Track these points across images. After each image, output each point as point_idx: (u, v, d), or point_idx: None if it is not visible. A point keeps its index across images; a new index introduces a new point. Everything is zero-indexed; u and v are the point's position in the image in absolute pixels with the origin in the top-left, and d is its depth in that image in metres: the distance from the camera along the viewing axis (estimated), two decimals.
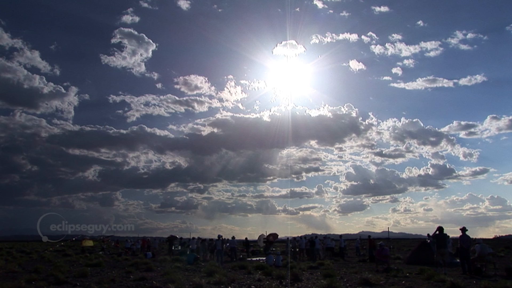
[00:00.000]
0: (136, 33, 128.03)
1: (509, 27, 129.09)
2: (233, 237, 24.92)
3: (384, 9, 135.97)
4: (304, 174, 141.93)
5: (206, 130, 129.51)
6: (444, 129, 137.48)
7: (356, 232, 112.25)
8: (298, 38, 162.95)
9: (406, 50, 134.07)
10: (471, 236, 14.64)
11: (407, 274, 13.38)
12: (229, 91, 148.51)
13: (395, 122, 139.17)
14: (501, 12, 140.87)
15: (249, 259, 23.59)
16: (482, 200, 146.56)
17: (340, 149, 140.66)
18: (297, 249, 25.90)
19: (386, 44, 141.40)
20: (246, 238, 31.40)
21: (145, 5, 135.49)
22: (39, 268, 15.15)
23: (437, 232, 14.10)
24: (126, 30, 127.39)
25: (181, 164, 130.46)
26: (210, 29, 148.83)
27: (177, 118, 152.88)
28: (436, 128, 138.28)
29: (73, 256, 25.36)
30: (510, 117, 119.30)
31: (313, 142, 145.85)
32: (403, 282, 11.58)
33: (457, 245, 14.49)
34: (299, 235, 31.65)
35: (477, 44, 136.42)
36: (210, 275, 12.86)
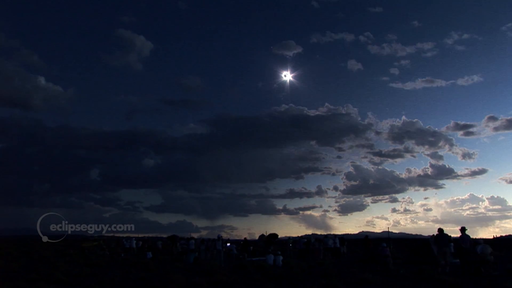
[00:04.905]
0: (135, 33, 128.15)
1: (505, 27, 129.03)
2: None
3: (379, 9, 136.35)
4: (303, 174, 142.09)
5: (205, 130, 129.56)
6: (442, 129, 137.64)
7: (356, 232, 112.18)
8: (296, 38, 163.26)
9: (402, 51, 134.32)
10: (471, 236, 14.68)
11: (407, 274, 13.39)
12: (228, 91, 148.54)
13: (394, 122, 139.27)
14: (496, 13, 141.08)
15: (249, 259, 23.59)
16: (482, 200, 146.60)
17: (340, 149, 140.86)
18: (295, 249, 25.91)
19: (383, 44, 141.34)
20: (245, 238, 31.39)
21: (144, 5, 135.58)
22: (39, 268, 15.14)
23: (437, 233, 14.20)
24: (125, 30, 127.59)
25: (181, 164, 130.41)
26: (208, 29, 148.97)
27: (176, 117, 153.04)
28: (436, 128, 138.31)
29: (73, 256, 25.36)
30: (508, 117, 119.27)
31: (312, 142, 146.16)
32: (403, 282, 11.59)
33: (457, 245, 14.52)
34: (299, 235, 31.68)
35: (472, 44, 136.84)
36: (210, 275, 12.86)
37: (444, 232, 14.52)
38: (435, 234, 14.46)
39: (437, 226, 14.67)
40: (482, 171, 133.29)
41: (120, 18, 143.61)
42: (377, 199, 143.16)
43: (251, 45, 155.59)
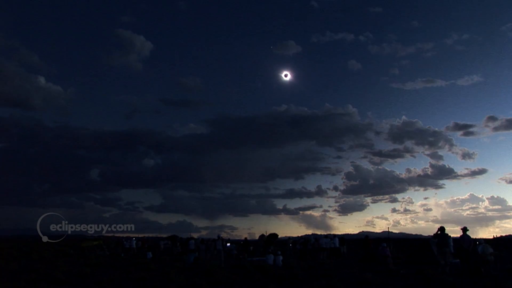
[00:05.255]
0: (134, 33, 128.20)
1: (505, 27, 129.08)
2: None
3: (378, 9, 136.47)
4: (303, 173, 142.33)
5: (205, 130, 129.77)
6: (442, 129, 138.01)
7: (356, 232, 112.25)
8: (296, 38, 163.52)
9: (402, 51, 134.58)
10: (471, 236, 14.68)
11: (407, 274, 13.39)
12: (228, 91, 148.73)
13: (394, 122, 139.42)
14: (496, 13, 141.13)
15: (249, 259, 23.60)
16: (482, 200, 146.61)
17: (340, 149, 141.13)
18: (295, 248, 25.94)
19: (383, 44, 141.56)
20: (245, 238, 31.40)
21: (144, 5, 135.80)
22: (39, 268, 15.14)
23: (439, 232, 14.14)
24: (125, 30, 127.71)
25: (181, 164, 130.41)
26: (208, 29, 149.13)
27: (176, 117, 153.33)
28: (436, 128, 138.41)
29: (73, 256, 25.35)
30: (507, 117, 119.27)
31: (312, 142, 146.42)
32: (403, 282, 11.59)
33: (457, 245, 14.53)
34: (299, 235, 31.69)
35: (472, 44, 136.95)
36: (210, 275, 12.86)
37: (446, 231, 14.51)
38: (438, 233, 14.39)
39: (437, 226, 14.62)
40: (482, 171, 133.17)
41: (120, 18, 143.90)
42: (377, 199, 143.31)
43: (251, 45, 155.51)
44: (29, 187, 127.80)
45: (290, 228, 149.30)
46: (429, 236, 18.94)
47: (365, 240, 24.26)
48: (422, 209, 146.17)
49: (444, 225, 14.84)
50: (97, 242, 35.64)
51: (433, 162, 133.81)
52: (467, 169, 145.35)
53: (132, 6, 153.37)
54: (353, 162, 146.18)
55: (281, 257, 19.21)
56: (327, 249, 24.17)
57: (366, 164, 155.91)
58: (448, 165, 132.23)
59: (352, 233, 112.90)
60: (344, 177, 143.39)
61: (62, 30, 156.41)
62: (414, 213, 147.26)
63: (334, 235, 28.58)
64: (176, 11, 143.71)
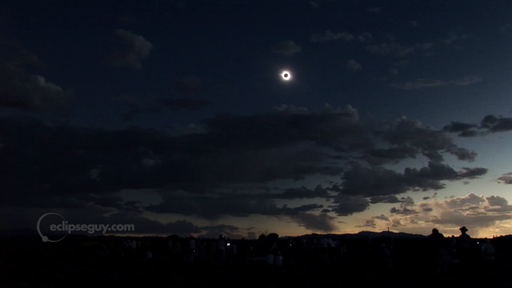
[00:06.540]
0: (134, 33, 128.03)
1: (504, 27, 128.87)
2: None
3: (377, 9, 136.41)
4: (303, 173, 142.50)
5: (205, 130, 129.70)
6: (441, 129, 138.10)
7: (356, 232, 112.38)
8: (296, 38, 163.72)
9: (401, 51, 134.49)
10: (471, 236, 14.74)
11: (407, 274, 13.39)
12: (227, 91, 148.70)
13: (393, 121, 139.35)
14: (495, 13, 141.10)
15: (249, 259, 23.61)
16: (482, 200, 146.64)
17: (339, 148, 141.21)
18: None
19: (382, 44, 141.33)
20: (243, 238, 31.35)
21: (143, 5, 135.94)
22: (39, 268, 15.15)
23: (432, 233, 14.40)
24: (124, 30, 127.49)
25: (181, 164, 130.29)
26: (207, 29, 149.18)
27: (176, 117, 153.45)
28: (434, 128, 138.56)
29: (73, 256, 25.36)
30: (506, 117, 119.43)
31: (312, 142, 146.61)
32: (402, 282, 11.59)
33: (458, 245, 14.58)
34: (299, 235, 31.67)
35: (471, 45, 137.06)
36: (210, 275, 12.87)
37: (439, 232, 14.88)
38: (431, 235, 14.72)
39: (437, 226, 14.82)
40: (481, 171, 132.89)
41: (120, 18, 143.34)
42: (377, 199, 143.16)
43: (251, 45, 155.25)
44: (29, 187, 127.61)
45: (290, 228, 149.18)
46: (428, 236, 18.98)
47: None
48: (422, 209, 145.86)
49: (444, 225, 15.15)
50: (97, 242, 35.63)
51: (433, 162, 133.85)
52: (466, 169, 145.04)
53: (132, 6, 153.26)
54: (353, 162, 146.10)
55: (281, 257, 19.20)
56: (325, 249, 24.22)
57: (365, 164, 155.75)
58: (447, 165, 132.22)
59: (352, 233, 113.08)
60: (344, 177, 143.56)
61: (62, 30, 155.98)
62: (414, 213, 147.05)
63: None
64: (176, 11, 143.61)
